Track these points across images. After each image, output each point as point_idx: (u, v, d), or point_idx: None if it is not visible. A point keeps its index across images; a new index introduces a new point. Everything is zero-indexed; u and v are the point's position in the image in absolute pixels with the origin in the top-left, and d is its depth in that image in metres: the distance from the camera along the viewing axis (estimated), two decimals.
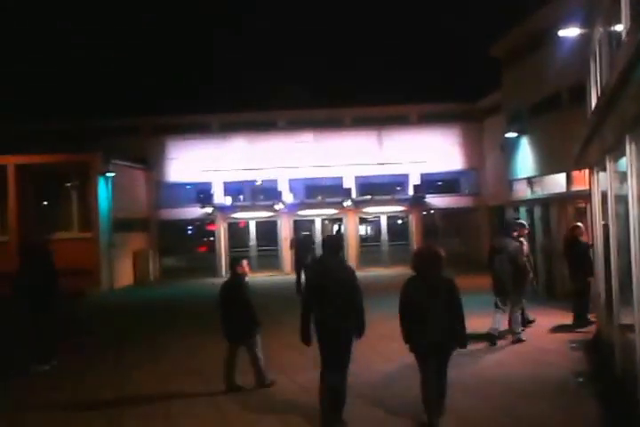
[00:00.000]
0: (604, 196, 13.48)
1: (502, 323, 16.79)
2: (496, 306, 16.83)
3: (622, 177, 10.75)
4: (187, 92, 47.53)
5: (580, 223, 19.51)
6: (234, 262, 14.07)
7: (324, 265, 10.91)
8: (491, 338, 16.39)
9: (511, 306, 16.74)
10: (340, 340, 10.51)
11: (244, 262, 13.84)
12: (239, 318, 13.16)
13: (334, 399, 10.44)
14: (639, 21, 5.95)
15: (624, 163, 9.77)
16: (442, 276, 10.36)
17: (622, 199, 10.63)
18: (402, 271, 37.85)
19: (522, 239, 17.94)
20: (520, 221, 20.52)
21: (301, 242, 29.93)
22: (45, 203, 36.54)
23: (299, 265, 29.29)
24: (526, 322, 18.04)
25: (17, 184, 34.05)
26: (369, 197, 40.47)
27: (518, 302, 16.96)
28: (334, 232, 43.64)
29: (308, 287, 10.97)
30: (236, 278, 13.69)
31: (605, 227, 12.48)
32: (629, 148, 8.95)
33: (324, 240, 11.56)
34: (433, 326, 10.03)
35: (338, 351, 10.52)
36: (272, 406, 11.76)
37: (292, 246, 30.90)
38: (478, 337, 16.19)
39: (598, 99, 12.11)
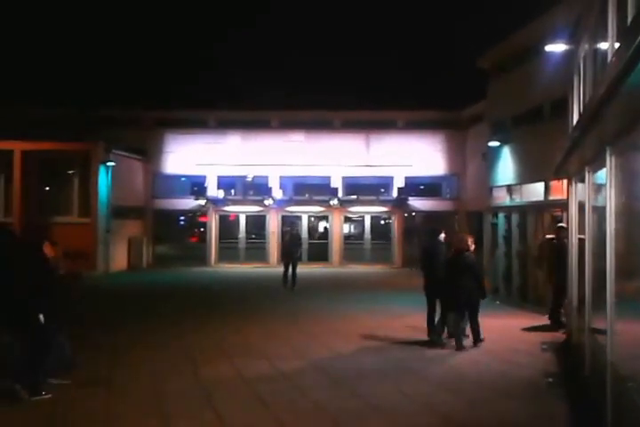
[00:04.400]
0: (580, 205, 13.44)
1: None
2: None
3: (599, 188, 10.71)
4: (188, 89, 47.29)
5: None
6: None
7: (428, 245, 16.90)
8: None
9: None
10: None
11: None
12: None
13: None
14: (627, 40, 5.89)
15: (601, 175, 9.73)
16: (466, 254, 15.59)
17: (599, 209, 10.59)
18: (382, 269, 38.34)
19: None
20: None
21: (292, 237, 29.40)
22: (47, 188, 36.44)
23: (287, 258, 28.58)
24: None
25: (22, 169, 33.97)
26: (354, 196, 40.54)
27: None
28: (319, 230, 43.51)
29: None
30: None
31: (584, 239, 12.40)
32: (609, 160, 8.90)
33: (429, 229, 19.31)
34: (461, 286, 15.27)
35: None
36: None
37: (283, 238, 30.26)
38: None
39: (582, 112, 12.06)
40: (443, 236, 16.80)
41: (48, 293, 11.26)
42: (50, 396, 11.04)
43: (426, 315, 16.31)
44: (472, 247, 16.00)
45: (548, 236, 20.23)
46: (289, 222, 35.53)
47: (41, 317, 10.99)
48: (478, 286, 15.61)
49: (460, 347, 15.21)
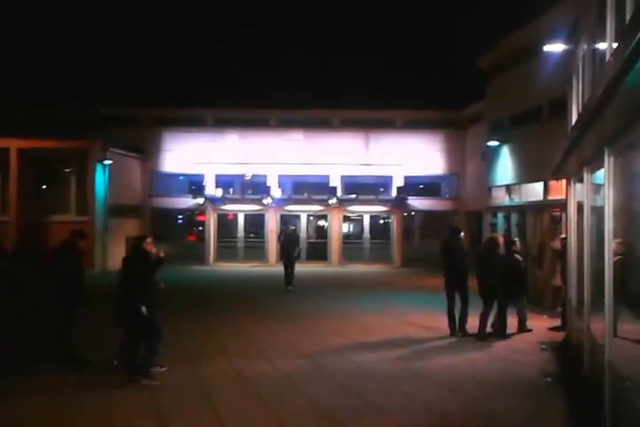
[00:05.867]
0: (579, 205, 13.49)
1: None
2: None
3: (597, 188, 10.77)
4: (186, 87, 47.34)
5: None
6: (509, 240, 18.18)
7: (448, 241, 17.73)
8: None
9: None
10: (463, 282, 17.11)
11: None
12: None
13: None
14: (625, 40, 5.94)
15: (600, 175, 9.78)
16: (495, 252, 16.72)
17: (597, 210, 10.64)
18: (381, 269, 38.38)
19: None
20: None
21: (289, 236, 29.21)
22: (45, 186, 36.46)
23: (286, 258, 27.99)
24: None
25: (18, 167, 33.99)
26: (354, 196, 40.55)
27: None
28: (318, 230, 43.57)
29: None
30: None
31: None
32: (608, 160, 8.94)
33: (450, 228, 20.67)
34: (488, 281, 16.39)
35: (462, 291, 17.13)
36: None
37: (279, 238, 29.79)
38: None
39: (580, 112, 12.11)
40: (462, 234, 18.09)
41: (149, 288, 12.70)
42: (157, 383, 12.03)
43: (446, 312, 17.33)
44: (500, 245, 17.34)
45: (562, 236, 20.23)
46: (285, 222, 35.10)
47: (143, 309, 12.15)
48: (508, 284, 16.77)
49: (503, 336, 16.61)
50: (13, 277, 27.09)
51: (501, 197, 29.39)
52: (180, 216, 44.51)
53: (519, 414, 10.45)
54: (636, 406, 6.96)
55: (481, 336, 16.35)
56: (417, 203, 41.55)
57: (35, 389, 11.80)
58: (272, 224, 40.47)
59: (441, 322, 17.49)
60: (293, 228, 31.25)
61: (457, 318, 17.13)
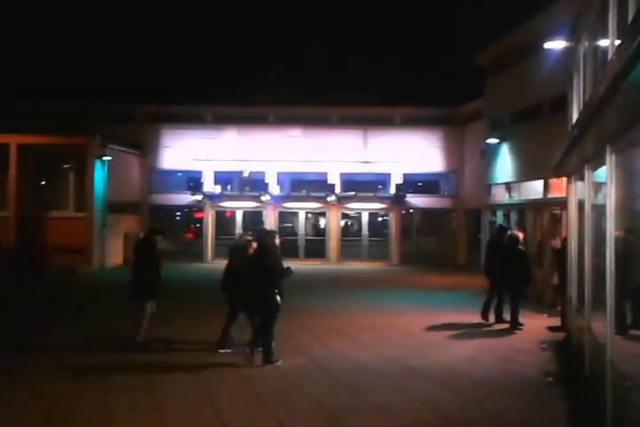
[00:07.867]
0: (580, 204, 13.44)
1: None
2: None
3: (598, 186, 10.71)
4: (184, 84, 47.25)
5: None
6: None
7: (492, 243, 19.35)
8: None
9: None
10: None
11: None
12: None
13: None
14: (627, 37, 5.88)
15: (601, 173, 9.72)
16: (517, 247, 17.99)
17: (598, 208, 10.58)
18: (380, 266, 38.32)
19: None
20: None
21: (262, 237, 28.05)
22: (43, 182, 36.43)
23: None
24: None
25: (18, 162, 33.97)
26: (352, 193, 40.47)
27: None
28: (316, 227, 43.50)
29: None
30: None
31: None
32: (610, 158, 8.89)
33: (496, 227, 22.04)
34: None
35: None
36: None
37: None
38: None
39: (582, 110, 12.05)
40: (509, 233, 19.11)
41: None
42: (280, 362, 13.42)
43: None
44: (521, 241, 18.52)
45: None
46: (257, 222, 33.37)
47: (278, 298, 13.61)
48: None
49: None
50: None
51: (501, 195, 29.38)
52: (179, 213, 44.47)
53: (519, 414, 10.42)
54: (638, 406, 6.90)
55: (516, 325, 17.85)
56: (415, 200, 41.48)
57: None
58: (270, 221, 40.37)
59: (440, 320, 17.46)
60: (271, 229, 30.42)
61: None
